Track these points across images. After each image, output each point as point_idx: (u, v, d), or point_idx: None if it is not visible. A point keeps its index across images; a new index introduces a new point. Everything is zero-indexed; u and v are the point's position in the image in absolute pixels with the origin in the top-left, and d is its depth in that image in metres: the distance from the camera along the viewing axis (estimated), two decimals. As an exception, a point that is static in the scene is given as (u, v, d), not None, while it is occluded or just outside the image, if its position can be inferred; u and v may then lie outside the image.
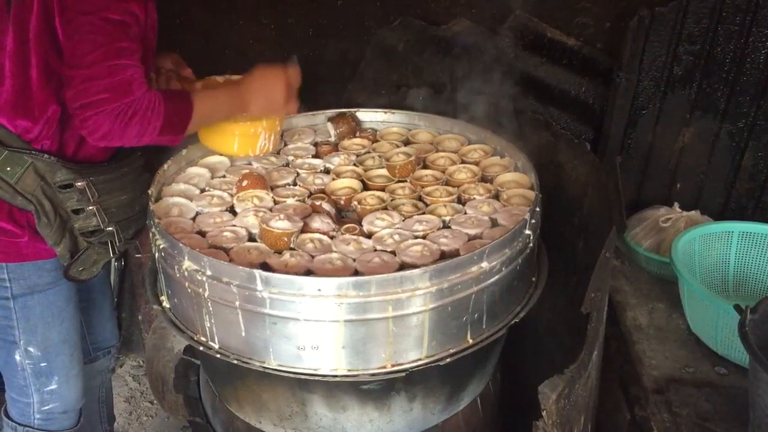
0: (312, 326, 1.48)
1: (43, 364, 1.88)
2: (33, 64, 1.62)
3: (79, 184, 1.70)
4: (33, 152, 1.67)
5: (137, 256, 1.96)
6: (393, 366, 1.54)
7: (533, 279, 1.78)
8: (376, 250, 1.63)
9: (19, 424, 1.95)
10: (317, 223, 1.71)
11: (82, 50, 1.51)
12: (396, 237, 1.67)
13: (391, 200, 1.84)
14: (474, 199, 1.84)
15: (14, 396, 1.95)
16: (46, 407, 1.93)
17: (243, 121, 1.85)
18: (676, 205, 2.47)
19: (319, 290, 1.44)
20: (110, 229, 1.78)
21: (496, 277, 1.57)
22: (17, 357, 1.87)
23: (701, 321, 1.98)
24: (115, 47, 1.52)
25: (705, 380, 1.89)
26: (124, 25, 1.53)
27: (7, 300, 1.80)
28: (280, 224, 1.66)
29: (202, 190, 1.90)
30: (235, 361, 1.58)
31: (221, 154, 2.01)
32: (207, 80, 1.96)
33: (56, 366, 1.91)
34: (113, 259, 1.90)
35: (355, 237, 1.67)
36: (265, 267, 1.56)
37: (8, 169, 1.66)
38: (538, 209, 1.72)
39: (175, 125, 1.62)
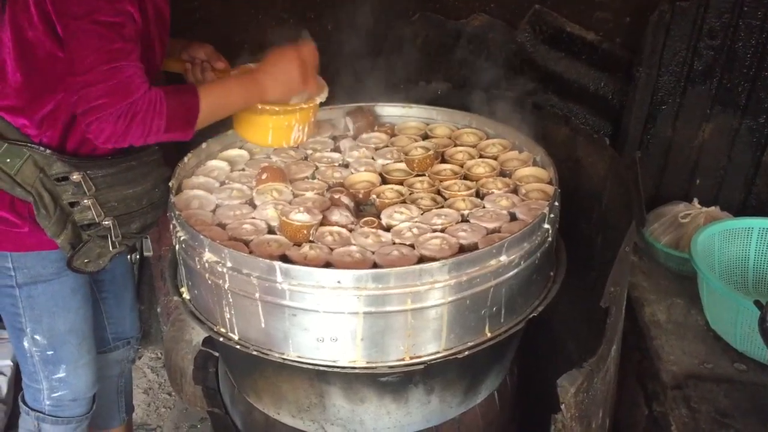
0: (331, 318, 1.49)
1: (49, 353, 1.89)
2: (33, 63, 1.61)
3: (74, 177, 1.68)
4: (31, 145, 1.67)
5: (146, 254, 1.93)
6: (411, 358, 1.55)
7: (551, 273, 1.78)
8: (394, 243, 1.63)
9: (32, 409, 1.97)
10: (336, 216, 1.72)
11: (77, 56, 1.50)
12: (415, 230, 1.67)
13: (410, 194, 1.84)
14: (492, 193, 1.83)
15: (27, 381, 1.98)
16: (56, 394, 1.95)
17: (276, 113, 1.83)
18: (696, 200, 2.46)
19: (339, 282, 1.45)
20: (107, 223, 1.75)
21: (515, 270, 1.57)
22: (25, 344, 1.88)
23: (720, 317, 1.97)
24: (109, 50, 1.49)
25: (724, 376, 1.89)
26: (116, 26, 1.50)
27: (12, 288, 1.81)
28: (300, 217, 1.67)
29: (222, 183, 1.91)
30: (255, 353, 1.59)
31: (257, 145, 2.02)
32: (241, 69, 1.94)
33: (63, 355, 1.91)
34: (126, 253, 1.89)
35: (373, 230, 1.68)
36: (285, 259, 1.57)
37: (8, 160, 1.66)
38: (556, 203, 1.72)
39: (181, 122, 1.59)
